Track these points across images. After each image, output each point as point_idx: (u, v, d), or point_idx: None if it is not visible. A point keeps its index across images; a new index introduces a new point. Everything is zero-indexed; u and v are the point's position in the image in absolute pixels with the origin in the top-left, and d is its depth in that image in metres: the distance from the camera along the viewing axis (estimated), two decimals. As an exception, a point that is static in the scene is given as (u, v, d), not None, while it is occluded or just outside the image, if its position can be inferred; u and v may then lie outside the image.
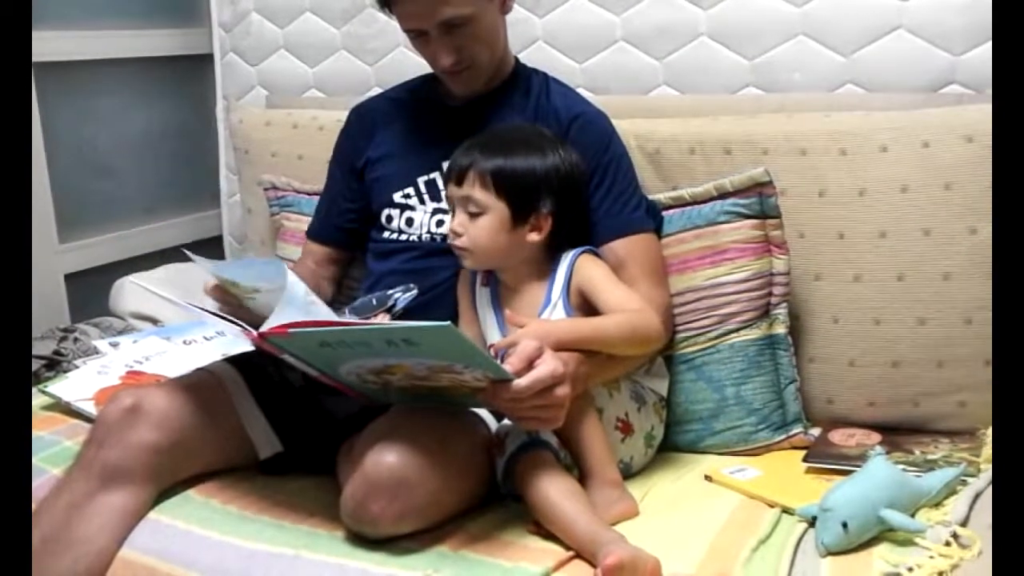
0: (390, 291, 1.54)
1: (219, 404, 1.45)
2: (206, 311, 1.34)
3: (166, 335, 2.00)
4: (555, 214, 1.45)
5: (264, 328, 1.19)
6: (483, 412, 1.40)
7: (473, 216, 1.43)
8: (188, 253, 1.45)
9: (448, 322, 1.14)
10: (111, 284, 2.23)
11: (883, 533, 1.22)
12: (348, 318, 1.44)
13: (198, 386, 1.45)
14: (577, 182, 1.48)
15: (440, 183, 1.60)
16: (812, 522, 1.25)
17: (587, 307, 1.44)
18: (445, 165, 1.58)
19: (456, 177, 1.44)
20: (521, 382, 1.22)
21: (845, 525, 1.18)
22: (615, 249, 1.51)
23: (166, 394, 1.43)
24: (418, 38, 1.53)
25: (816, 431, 1.55)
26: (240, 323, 1.26)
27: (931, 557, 1.15)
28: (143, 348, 1.93)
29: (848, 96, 1.73)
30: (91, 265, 2.31)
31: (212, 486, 1.43)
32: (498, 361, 1.22)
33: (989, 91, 1.63)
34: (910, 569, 1.13)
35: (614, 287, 1.42)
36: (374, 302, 1.52)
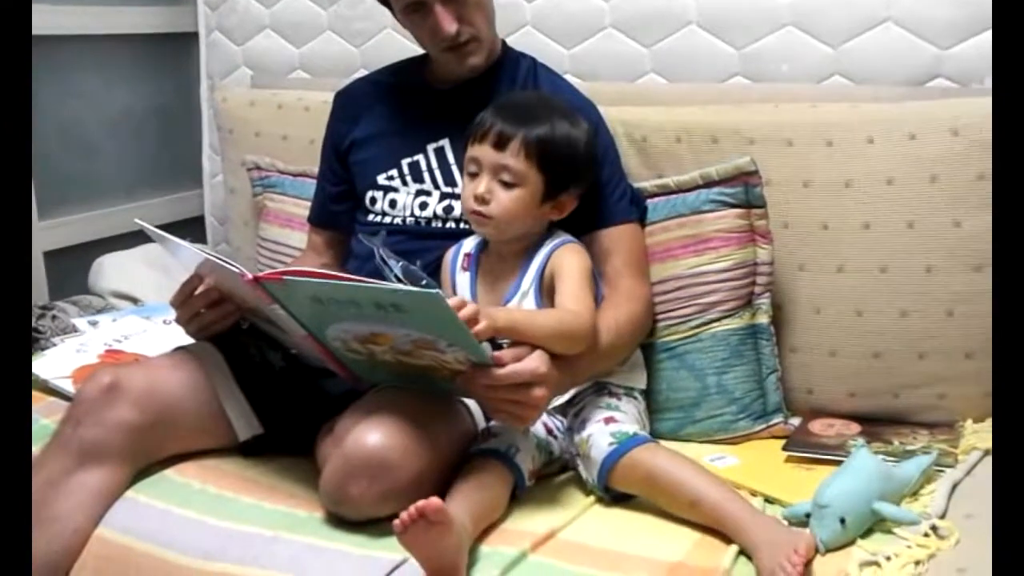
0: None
1: (199, 384, 1.44)
2: (203, 252, 1.35)
3: (146, 314, 1.99)
4: (579, 195, 1.43)
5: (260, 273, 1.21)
6: (470, 402, 1.40)
7: (506, 185, 1.39)
8: (146, 226, 1.43)
9: (438, 290, 1.14)
10: (91, 262, 2.22)
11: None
12: (397, 269, 1.45)
13: (178, 365, 1.45)
14: (598, 161, 1.47)
15: (424, 165, 1.59)
16: (803, 522, 1.24)
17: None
18: (430, 148, 1.59)
19: (496, 141, 1.38)
20: (500, 371, 1.23)
21: (843, 521, 1.18)
22: (599, 239, 1.51)
23: (145, 373, 1.42)
24: (416, 12, 1.51)
25: (796, 421, 1.56)
26: (235, 265, 1.27)
27: (908, 547, 1.16)
28: (122, 327, 1.92)
29: (835, 88, 1.73)
30: (71, 243, 2.28)
31: (191, 466, 1.42)
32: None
33: (974, 85, 1.63)
34: (888, 558, 1.14)
35: (570, 284, 1.39)
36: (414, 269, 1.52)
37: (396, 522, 1.11)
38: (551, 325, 1.32)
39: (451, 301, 1.18)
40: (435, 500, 1.11)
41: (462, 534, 1.16)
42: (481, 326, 1.21)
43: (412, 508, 1.10)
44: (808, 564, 1.13)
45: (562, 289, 1.39)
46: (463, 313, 1.18)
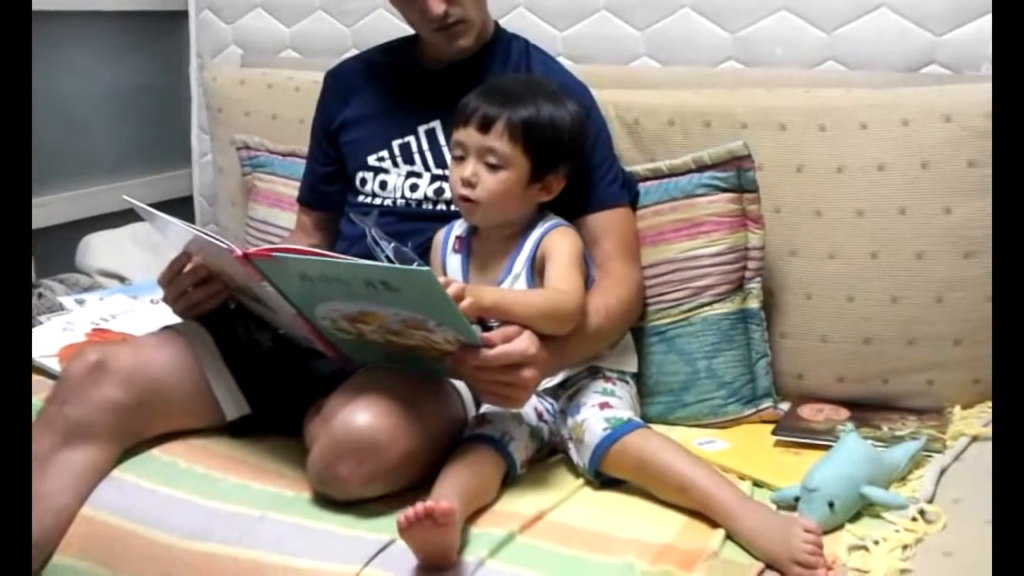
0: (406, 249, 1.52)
1: (186, 363, 1.43)
2: (192, 229, 1.34)
3: (133, 293, 1.99)
4: (567, 175, 1.43)
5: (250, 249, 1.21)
6: (460, 388, 1.39)
7: (492, 168, 1.38)
8: (135, 203, 1.42)
9: (428, 268, 1.13)
10: (77, 241, 2.20)
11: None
12: (388, 250, 1.45)
13: (165, 344, 1.44)
14: (585, 141, 1.47)
15: (415, 146, 1.58)
16: (792, 505, 1.24)
17: None
18: (421, 129, 1.58)
19: (480, 124, 1.37)
20: (490, 352, 1.23)
21: (832, 505, 1.19)
22: (590, 222, 1.50)
23: (132, 352, 1.41)
24: None
25: (785, 405, 1.56)
26: (224, 241, 1.26)
27: (897, 531, 1.17)
28: (109, 306, 1.91)
29: (829, 73, 1.73)
30: (58, 221, 2.27)
31: (178, 446, 1.42)
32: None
33: (968, 72, 1.63)
34: (876, 542, 1.14)
35: (559, 265, 1.38)
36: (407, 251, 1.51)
37: (401, 518, 1.10)
38: (538, 304, 1.32)
39: (449, 290, 1.18)
40: (445, 503, 1.10)
41: (457, 520, 1.15)
42: (466, 303, 1.20)
43: (420, 507, 1.09)
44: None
45: (551, 271, 1.38)
46: (449, 291, 1.18)
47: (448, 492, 1.19)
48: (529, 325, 1.29)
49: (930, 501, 1.23)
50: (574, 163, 1.45)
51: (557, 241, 1.42)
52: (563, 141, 1.41)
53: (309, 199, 1.74)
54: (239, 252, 1.23)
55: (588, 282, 1.44)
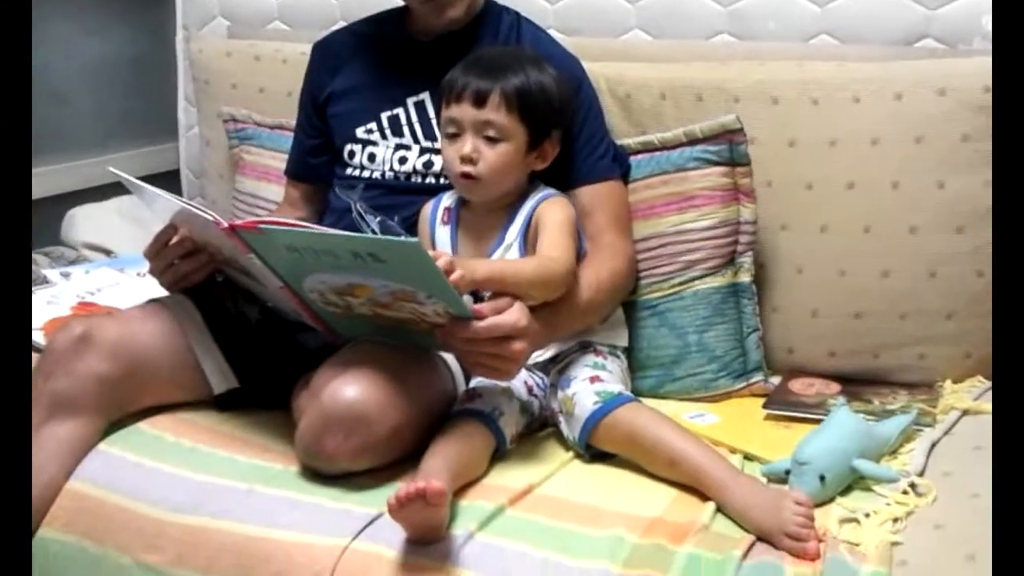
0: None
1: (172, 336, 1.42)
2: (179, 201, 1.33)
3: (119, 266, 1.97)
4: (560, 140, 1.42)
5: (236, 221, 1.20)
6: (450, 361, 1.38)
7: (491, 142, 1.37)
8: (120, 175, 1.41)
9: (417, 239, 1.12)
10: (62, 215, 2.18)
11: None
12: (374, 223, 1.44)
13: (151, 317, 1.43)
14: (571, 105, 1.46)
15: (404, 119, 1.56)
16: (782, 478, 1.24)
17: None
18: (410, 101, 1.57)
19: (474, 98, 1.36)
20: (480, 323, 1.22)
21: (823, 478, 1.18)
22: (581, 196, 1.49)
23: (118, 324, 1.41)
24: None
25: (776, 380, 1.55)
26: (210, 213, 1.25)
27: (887, 504, 1.17)
28: (95, 279, 1.90)
29: (822, 47, 1.71)
30: (43, 195, 2.23)
31: (164, 419, 1.41)
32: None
33: (962, 46, 1.62)
34: (867, 515, 1.14)
35: (551, 233, 1.37)
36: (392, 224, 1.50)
37: (391, 499, 1.09)
38: (530, 272, 1.31)
39: (439, 262, 1.16)
40: (436, 483, 1.09)
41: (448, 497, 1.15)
42: (456, 275, 1.19)
43: (412, 487, 1.08)
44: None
45: (544, 239, 1.37)
46: (439, 264, 1.17)
47: (437, 467, 1.18)
48: (523, 293, 1.28)
49: (920, 474, 1.23)
50: (564, 125, 1.45)
51: (550, 210, 1.41)
52: (554, 105, 1.41)
53: (296, 172, 1.73)
54: (225, 224, 1.22)
55: (580, 255, 1.43)
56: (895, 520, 1.14)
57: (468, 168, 1.37)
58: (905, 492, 1.18)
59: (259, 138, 1.96)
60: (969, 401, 1.42)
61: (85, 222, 2.14)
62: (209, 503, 1.24)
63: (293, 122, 1.75)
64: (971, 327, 1.47)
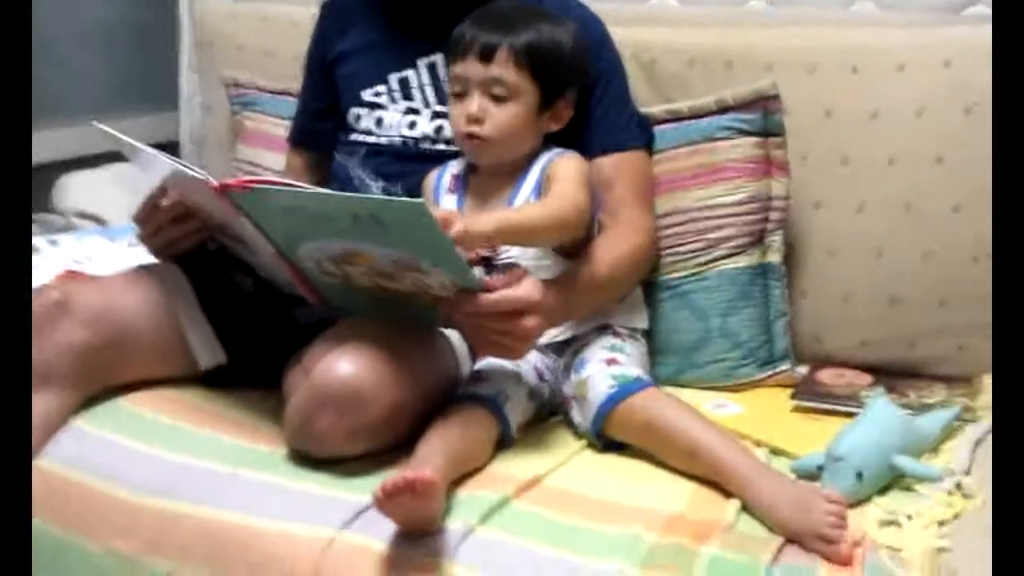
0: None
1: (158, 305, 1.35)
2: (168, 159, 1.27)
3: (111, 236, 1.92)
4: (575, 100, 1.37)
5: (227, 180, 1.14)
6: (454, 337, 1.32)
7: (498, 100, 1.31)
8: (106, 129, 1.35)
9: (421, 200, 1.06)
10: (53, 182, 2.12)
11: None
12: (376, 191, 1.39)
13: (136, 284, 1.37)
14: (588, 63, 1.41)
15: (414, 81, 1.49)
16: (813, 475, 1.16)
17: None
18: (421, 63, 1.50)
19: (481, 54, 1.31)
20: (489, 296, 1.15)
21: (860, 475, 1.10)
22: (603, 165, 1.43)
23: (99, 291, 1.34)
24: None
25: (803, 369, 1.48)
26: (201, 172, 1.19)
27: (931, 506, 1.09)
28: (85, 247, 1.86)
29: (863, 14, 1.64)
30: (34, 161, 2.17)
31: (146, 395, 1.34)
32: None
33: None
34: (909, 517, 1.06)
35: (561, 183, 1.30)
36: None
37: (378, 491, 1.03)
38: (541, 211, 1.26)
39: (435, 212, 1.08)
40: (427, 473, 1.02)
41: (441, 487, 1.08)
42: (458, 227, 1.11)
43: (400, 478, 1.01)
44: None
45: (553, 189, 1.30)
46: (436, 216, 1.08)
47: (432, 454, 1.12)
48: (537, 239, 1.24)
49: (967, 473, 1.15)
50: (579, 84, 1.39)
51: (561, 163, 1.35)
52: (567, 61, 1.35)
53: (300, 138, 1.67)
54: (215, 183, 1.15)
55: (597, 225, 1.37)
56: (941, 523, 1.06)
57: (474, 128, 1.31)
58: (950, 493, 1.11)
59: (262, 104, 1.91)
60: (1014, 396, 1.33)
61: (78, 190, 2.10)
62: (186, 487, 1.17)
63: (299, 87, 1.69)
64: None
